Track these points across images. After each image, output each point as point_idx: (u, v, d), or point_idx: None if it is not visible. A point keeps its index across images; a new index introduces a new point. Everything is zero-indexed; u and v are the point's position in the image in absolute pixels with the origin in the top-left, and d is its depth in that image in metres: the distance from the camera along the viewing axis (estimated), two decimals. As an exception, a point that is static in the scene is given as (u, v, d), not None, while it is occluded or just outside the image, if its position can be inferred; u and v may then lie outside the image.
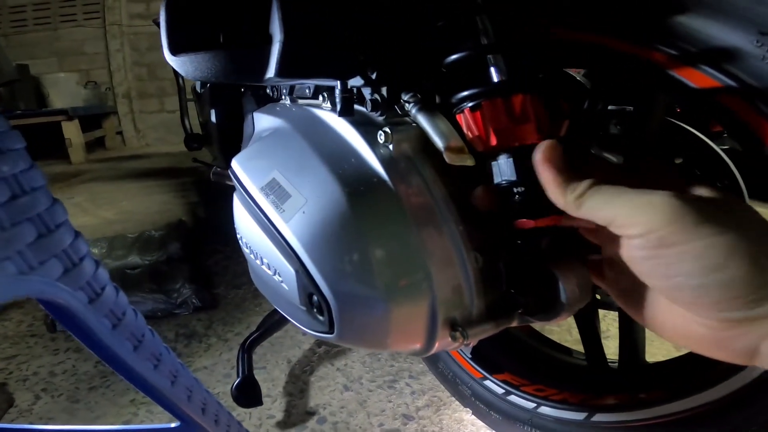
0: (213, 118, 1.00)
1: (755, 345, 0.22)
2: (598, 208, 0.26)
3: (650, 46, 0.34)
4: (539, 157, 0.28)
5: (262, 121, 0.59)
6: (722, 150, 0.45)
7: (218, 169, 0.95)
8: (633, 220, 0.24)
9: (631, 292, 0.29)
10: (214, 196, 2.00)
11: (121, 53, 4.20)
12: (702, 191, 0.25)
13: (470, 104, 0.31)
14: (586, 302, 0.31)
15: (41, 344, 0.99)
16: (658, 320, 0.28)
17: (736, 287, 0.22)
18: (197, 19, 0.45)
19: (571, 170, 0.27)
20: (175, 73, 1.27)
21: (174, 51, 0.46)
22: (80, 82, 4.00)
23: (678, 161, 0.47)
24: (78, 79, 3.97)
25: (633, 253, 0.25)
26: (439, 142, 0.32)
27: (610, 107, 0.49)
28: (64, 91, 3.76)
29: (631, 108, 0.47)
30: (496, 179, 0.31)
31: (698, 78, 0.32)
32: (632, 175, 0.29)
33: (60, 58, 4.18)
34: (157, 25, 1.39)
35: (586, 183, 0.26)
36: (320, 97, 0.48)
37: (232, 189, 0.50)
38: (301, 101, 0.55)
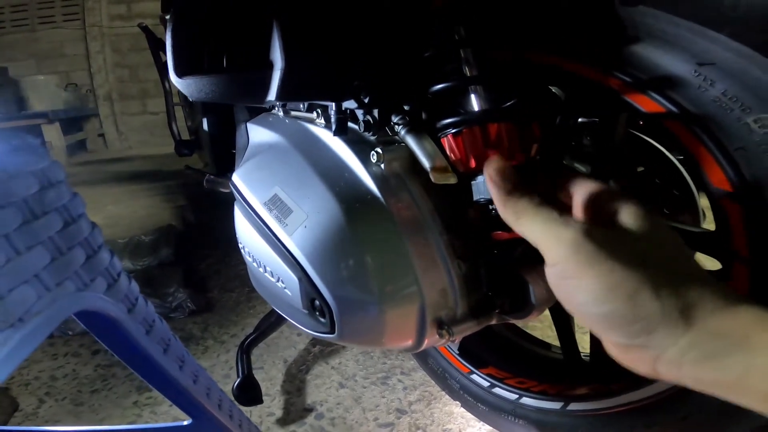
0: (205, 127, 1.03)
1: (651, 366, 0.25)
2: (528, 230, 0.29)
3: (608, 72, 0.39)
4: (486, 176, 0.31)
5: (257, 133, 0.62)
6: (678, 159, 0.50)
7: (211, 177, 0.97)
8: (546, 251, 0.28)
9: None
10: (202, 200, 2.01)
11: (102, 55, 4.14)
12: (627, 216, 0.28)
13: (453, 131, 0.35)
14: (552, 303, 0.35)
15: (40, 349, 1.00)
16: None
17: (615, 319, 0.25)
18: (201, 44, 0.49)
19: (514, 188, 0.30)
20: (162, 76, 1.28)
21: (179, 74, 0.49)
22: (60, 85, 3.94)
23: (640, 170, 0.52)
24: (58, 81, 3.90)
25: (548, 279, 0.29)
26: (425, 163, 0.37)
27: (581, 120, 0.54)
28: (43, 93, 3.70)
29: (597, 120, 0.52)
30: (475, 197, 0.35)
31: (647, 103, 0.37)
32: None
33: (39, 61, 4.10)
34: (143, 29, 1.39)
35: (522, 203, 0.30)
36: (314, 113, 0.52)
37: (224, 195, 0.53)
38: (293, 113, 0.58)
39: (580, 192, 0.30)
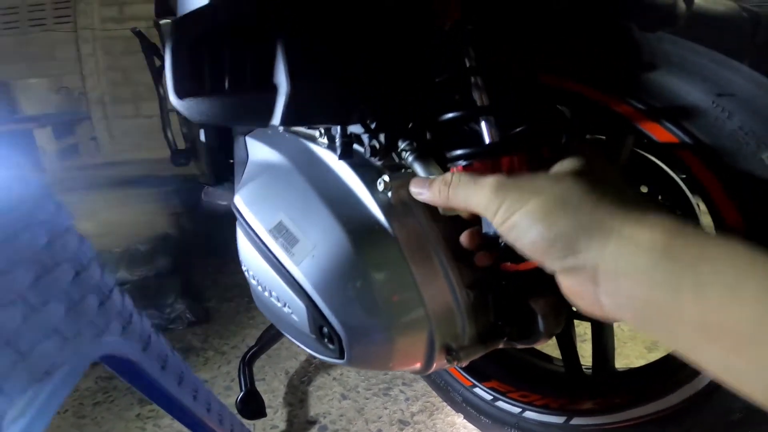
0: (202, 137, 1.02)
1: (593, 290, 0.26)
2: (460, 200, 0.33)
3: (621, 98, 0.39)
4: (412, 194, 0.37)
5: (257, 150, 0.61)
6: (681, 179, 0.51)
7: (209, 189, 0.97)
8: (482, 212, 0.31)
9: None
10: (198, 207, 2.00)
11: (94, 57, 4.10)
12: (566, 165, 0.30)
13: (463, 163, 0.35)
14: (560, 330, 0.36)
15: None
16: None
17: (539, 242, 0.28)
18: (202, 65, 0.48)
19: (431, 182, 0.35)
20: (155, 81, 1.27)
21: (180, 95, 0.48)
22: (52, 88, 3.89)
23: (644, 189, 0.53)
24: (49, 84, 3.86)
25: (498, 230, 0.31)
26: (433, 192, 0.36)
27: (588, 137, 0.54)
28: (35, 97, 3.66)
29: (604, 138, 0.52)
30: (485, 229, 0.35)
31: (660, 132, 0.37)
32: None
33: (29, 64, 4.05)
34: (137, 34, 1.38)
35: (444, 186, 0.34)
36: (317, 131, 0.51)
37: (224, 209, 0.52)
38: (294, 128, 0.57)
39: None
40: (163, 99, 1.55)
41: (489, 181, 0.31)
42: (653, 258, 0.23)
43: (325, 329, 0.39)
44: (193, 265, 1.46)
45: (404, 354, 0.38)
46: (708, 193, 0.35)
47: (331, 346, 0.40)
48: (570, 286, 0.28)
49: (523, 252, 0.30)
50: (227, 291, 1.30)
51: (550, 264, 0.28)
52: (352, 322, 0.37)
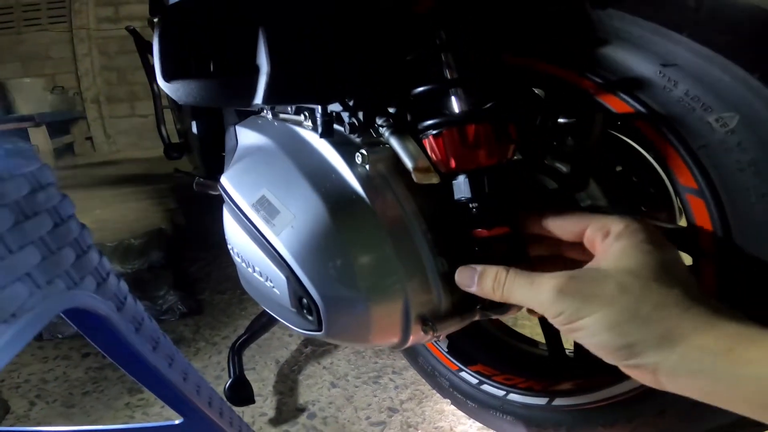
0: (194, 130, 1.03)
1: (653, 378, 0.29)
2: (516, 301, 0.33)
3: (581, 73, 0.40)
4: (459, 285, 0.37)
5: (246, 136, 0.63)
6: (654, 158, 0.52)
7: (201, 180, 0.98)
8: (542, 312, 0.32)
9: None
10: (192, 203, 2.01)
11: (89, 57, 4.10)
12: (611, 250, 0.31)
13: (433, 132, 0.36)
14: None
15: (29, 352, 1.00)
16: None
17: (606, 347, 0.29)
18: (189, 48, 0.49)
19: (483, 274, 0.35)
20: (150, 79, 1.28)
21: (167, 78, 0.49)
22: (47, 88, 3.89)
23: (618, 169, 0.54)
24: (44, 84, 3.85)
25: (557, 326, 0.32)
26: (408, 163, 0.38)
27: (561, 120, 0.56)
28: (30, 96, 3.65)
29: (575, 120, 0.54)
30: (456, 196, 0.36)
31: (617, 104, 0.38)
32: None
33: (24, 63, 4.05)
34: (131, 32, 1.39)
35: (498, 286, 0.34)
36: (302, 115, 0.52)
37: (214, 198, 0.54)
38: (282, 115, 0.59)
39: (575, 226, 0.34)
40: (157, 96, 1.57)
41: (550, 285, 0.31)
42: (715, 361, 0.26)
43: (304, 300, 0.40)
44: (187, 259, 1.47)
45: (380, 325, 0.39)
46: (663, 158, 0.37)
47: (309, 317, 0.41)
48: (631, 373, 0.30)
49: (587, 348, 0.31)
50: (220, 284, 1.31)
51: (612, 360, 0.30)
52: (329, 291, 0.38)
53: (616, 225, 0.32)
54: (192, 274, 1.38)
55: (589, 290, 0.29)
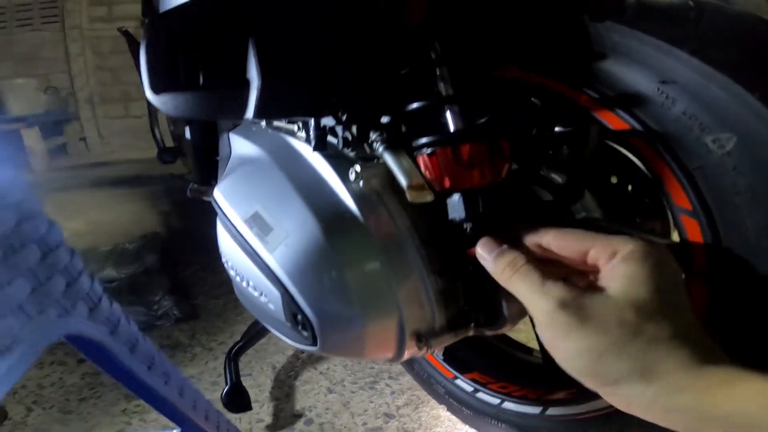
0: (188, 135, 1.02)
1: (626, 407, 0.29)
2: (515, 293, 0.33)
3: (578, 88, 0.40)
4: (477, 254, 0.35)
5: (239, 144, 0.62)
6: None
7: (195, 186, 0.97)
8: (531, 312, 0.32)
9: None
10: (187, 206, 2.00)
11: (83, 57, 4.07)
12: (611, 276, 0.30)
13: (427, 151, 0.36)
14: (524, 317, 0.37)
15: (24, 361, 0.99)
16: None
17: (586, 373, 0.29)
18: (177, 60, 0.49)
19: (501, 252, 0.34)
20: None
21: (155, 90, 0.49)
22: (39, 88, 3.85)
23: (613, 180, 0.54)
24: (37, 84, 3.82)
25: (538, 334, 0.32)
26: (402, 180, 0.37)
27: (557, 129, 0.56)
28: (22, 97, 3.62)
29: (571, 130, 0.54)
30: (451, 215, 0.36)
31: (614, 120, 0.38)
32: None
33: (16, 63, 4.01)
34: (124, 33, 1.37)
35: (510, 269, 0.33)
36: (296, 126, 0.52)
37: (209, 203, 0.53)
38: (276, 123, 0.58)
39: (579, 245, 0.33)
40: (151, 98, 1.55)
41: (556, 294, 0.30)
42: (689, 400, 0.26)
43: (299, 316, 0.40)
44: (182, 263, 1.46)
45: (375, 341, 0.39)
46: (659, 176, 0.36)
47: (304, 333, 0.41)
48: (604, 396, 0.30)
49: (561, 366, 0.31)
50: (215, 288, 1.30)
51: (584, 382, 0.30)
52: (323, 308, 0.38)
53: (623, 246, 0.31)
54: (187, 279, 1.37)
55: (590, 312, 0.29)
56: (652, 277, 0.29)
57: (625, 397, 0.28)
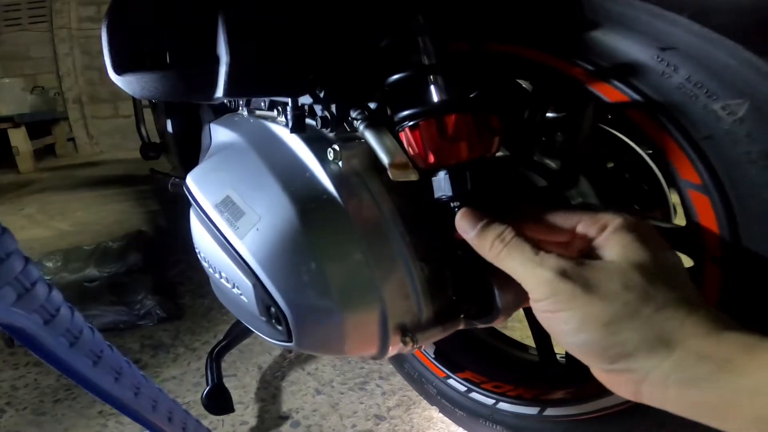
0: (169, 128, 0.99)
1: (635, 389, 0.26)
2: (507, 269, 0.30)
3: (571, 61, 0.37)
4: (457, 228, 0.32)
5: (219, 134, 0.59)
6: (647, 154, 0.49)
7: (176, 180, 0.94)
8: (527, 288, 0.29)
9: None
10: (173, 205, 1.96)
11: (71, 57, 4.02)
12: (611, 245, 0.28)
13: (409, 123, 0.33)
14: (519, 307, 0.33)
15: (0, 359, 0.95)
16: None
17: (592, 347, 0.26)
18: (140, 39, 0.45)
19: (485, 225, 0.31)
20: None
21: (118, 71, 0.45)
22: (26, 88, 3.80)
23: (610, 165, 0.51)
24: (24, 84, 3.76)
25: (533, 310, 0.29)
26: (384, 159, 0.34)
27: (550, 114, 0.53)
28: (8, 97, 3.55)
29: (564, 114, 0.51)
30: (436, 194, 0.33)
31: (610, 92, 0.35)
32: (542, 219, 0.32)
33: (4, 63, 3.95)
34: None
35: (497, 244, 0.30)
36: (275, 111, 0.49)
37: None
38: (258, 112, 0.55)
39: (564, 222, 0.31)
40: (137, 95, 1.52)
41: (554, 263, 0.28)
42: (712, 370, 0.23)
43: (272, 309, 0.37)
44: (167, 262, 1.42)
45: (355, 336, 0.36)
46: (663, 151, 0.34)
47: (279, 327, 0.37)
48: (608, 380, 0.27)
49: (561, 344, 0.28)
50: (201, 288, 1.26)
51: (593, 365, 0.27)
52: (297, 300, 0.35)
53: (612, 219, 0.29)
54: (174, 277, 1.33)
55: (593, 279, 0.27)
56: (649, 244, 0.27)
57: (637, 373, 0.25)
